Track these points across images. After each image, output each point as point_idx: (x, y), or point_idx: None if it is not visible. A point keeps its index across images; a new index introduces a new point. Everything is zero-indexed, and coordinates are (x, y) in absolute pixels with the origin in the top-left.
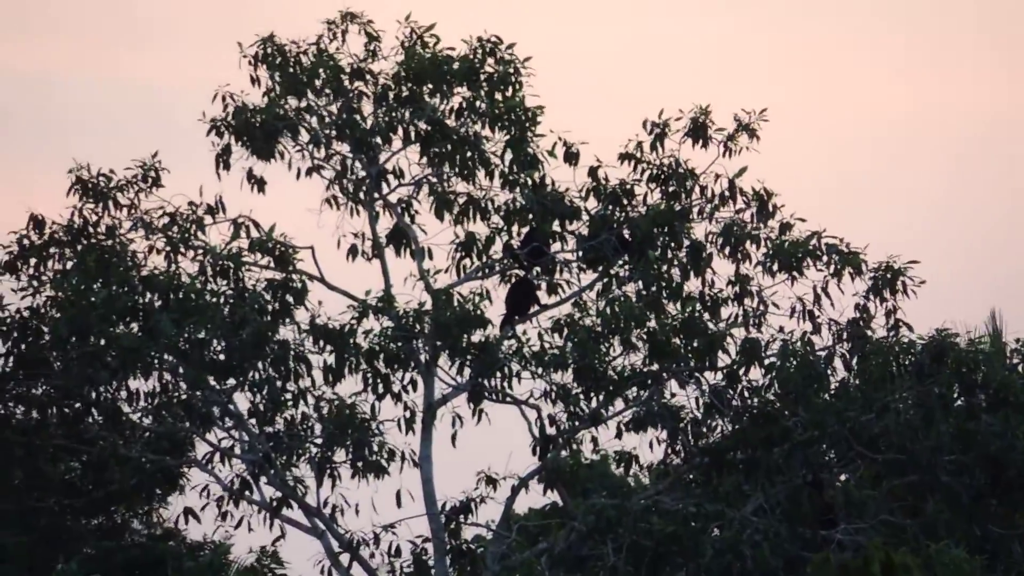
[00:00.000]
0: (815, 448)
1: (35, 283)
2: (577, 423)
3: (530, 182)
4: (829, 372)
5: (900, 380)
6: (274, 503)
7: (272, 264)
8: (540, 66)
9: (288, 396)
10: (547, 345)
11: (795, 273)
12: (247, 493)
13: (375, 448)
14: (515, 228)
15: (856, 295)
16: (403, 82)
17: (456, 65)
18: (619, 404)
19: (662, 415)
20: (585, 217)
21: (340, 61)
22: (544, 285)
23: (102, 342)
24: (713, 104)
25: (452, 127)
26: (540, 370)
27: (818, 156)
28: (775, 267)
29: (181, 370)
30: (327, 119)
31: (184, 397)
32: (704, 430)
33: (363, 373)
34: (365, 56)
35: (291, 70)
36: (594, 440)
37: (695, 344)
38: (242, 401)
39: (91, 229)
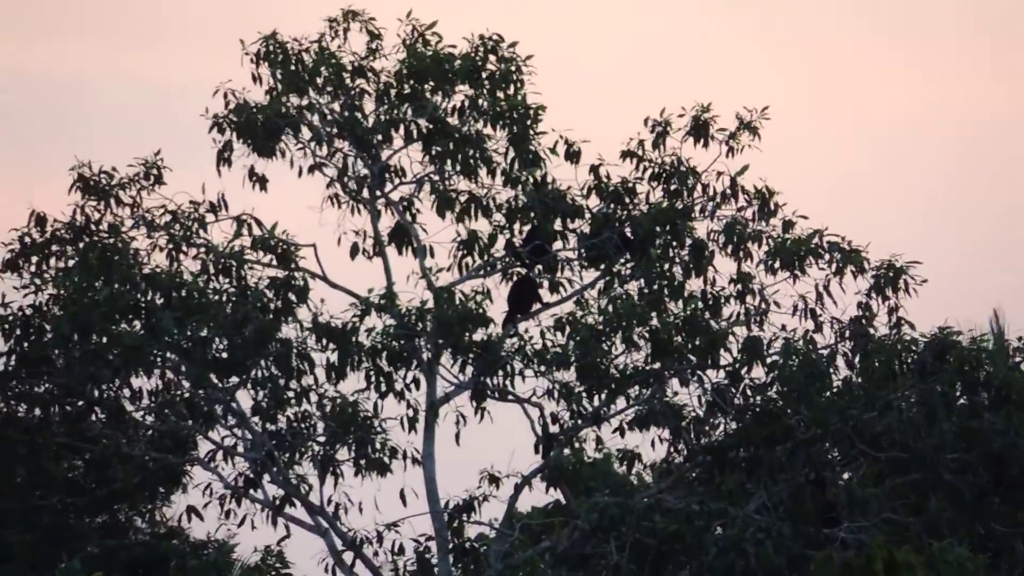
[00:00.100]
0: (818, 446)
1: (37, 281)
2: (580, 421)
3: (532, 180)
4: (831, 370)
5: (902, 378)
6: (277, 501)
7: (274, 262)
8: (541, 64)
9: (291, 394)
10: (549, 343)
11: (797, 271)
12: (250, 491)
13: (378, 446)
14: (517, 226)
15: (858, 293)
16: (405, 80)
17: (458, 63)
18: (621, 402)
19: (664, 413)
20: (587, 215)
21: (342, 59)
22: (546, 283)
23: (104, 340)
24: (714, 103)
25: (454, 125)
26: (542, 368)
27: (819, 155)
28: (777, 265)
29: (184, 368)
30: (329, 117)
31: (187, 395)
32: (706, 428)
33: (366, 371)
34: (367, 54)
35: (293, 68)
36: (597, 438)
37: (697, 342)
38: (245, 399)
39: (93, 227)
